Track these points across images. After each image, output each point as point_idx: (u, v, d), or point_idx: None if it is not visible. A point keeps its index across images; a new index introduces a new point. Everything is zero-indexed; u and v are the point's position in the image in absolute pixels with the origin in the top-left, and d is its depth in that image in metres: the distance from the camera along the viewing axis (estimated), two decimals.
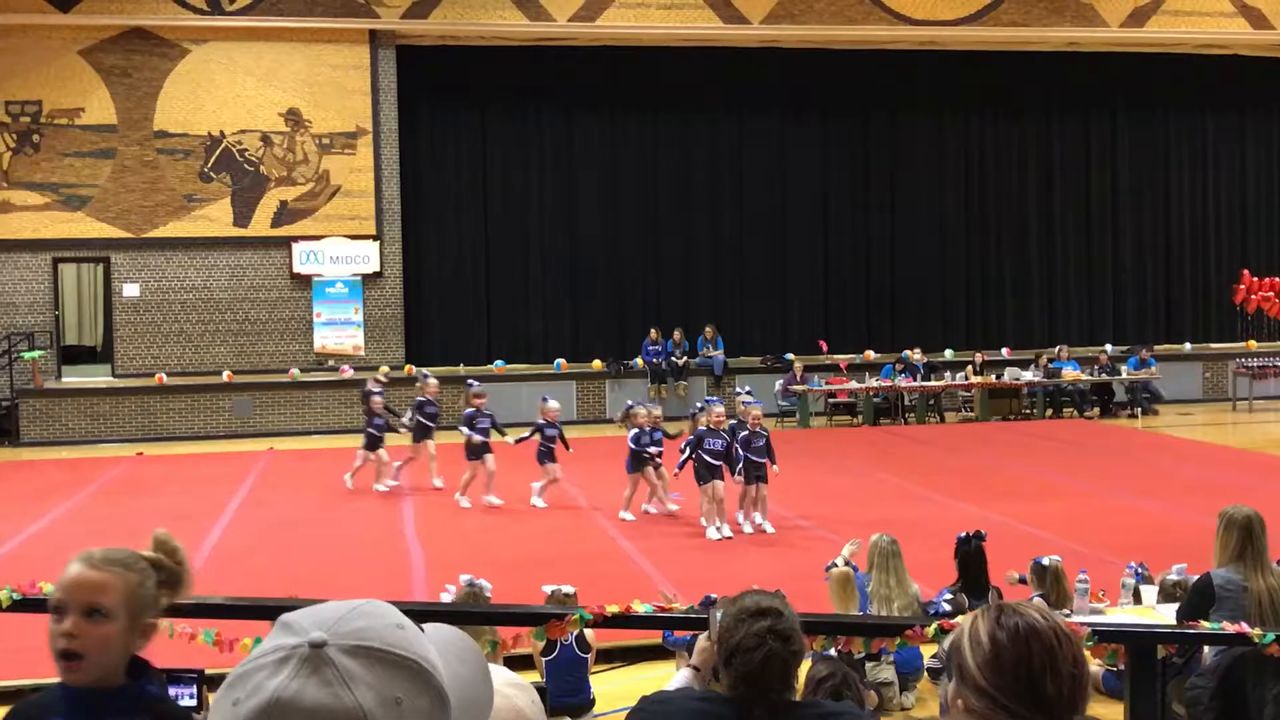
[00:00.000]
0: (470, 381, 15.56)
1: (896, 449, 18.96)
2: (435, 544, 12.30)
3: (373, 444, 15.50)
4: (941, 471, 16.38)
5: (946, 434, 21.01)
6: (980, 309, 26.61)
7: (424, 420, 15.53)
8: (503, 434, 14.76)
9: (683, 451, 12.80)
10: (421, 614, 2.87)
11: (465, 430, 14.33)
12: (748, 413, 12.91)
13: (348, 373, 22.47)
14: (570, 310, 24.93)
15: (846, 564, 8.00)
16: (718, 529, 12.38)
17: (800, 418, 21.96)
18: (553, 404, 14.67)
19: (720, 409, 12.88)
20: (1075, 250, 26.89)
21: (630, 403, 14.77)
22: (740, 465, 12.58)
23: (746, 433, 12.69)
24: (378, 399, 15.68)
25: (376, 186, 23.26)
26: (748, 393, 14.53)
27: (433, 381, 16.12)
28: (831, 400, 22.73)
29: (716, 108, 25.32)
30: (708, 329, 23.79)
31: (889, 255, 26.11)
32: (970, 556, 8.34)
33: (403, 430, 15.95)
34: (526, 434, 14.43)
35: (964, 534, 8.49)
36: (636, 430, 13.30)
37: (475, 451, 14.36)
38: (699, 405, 13.88)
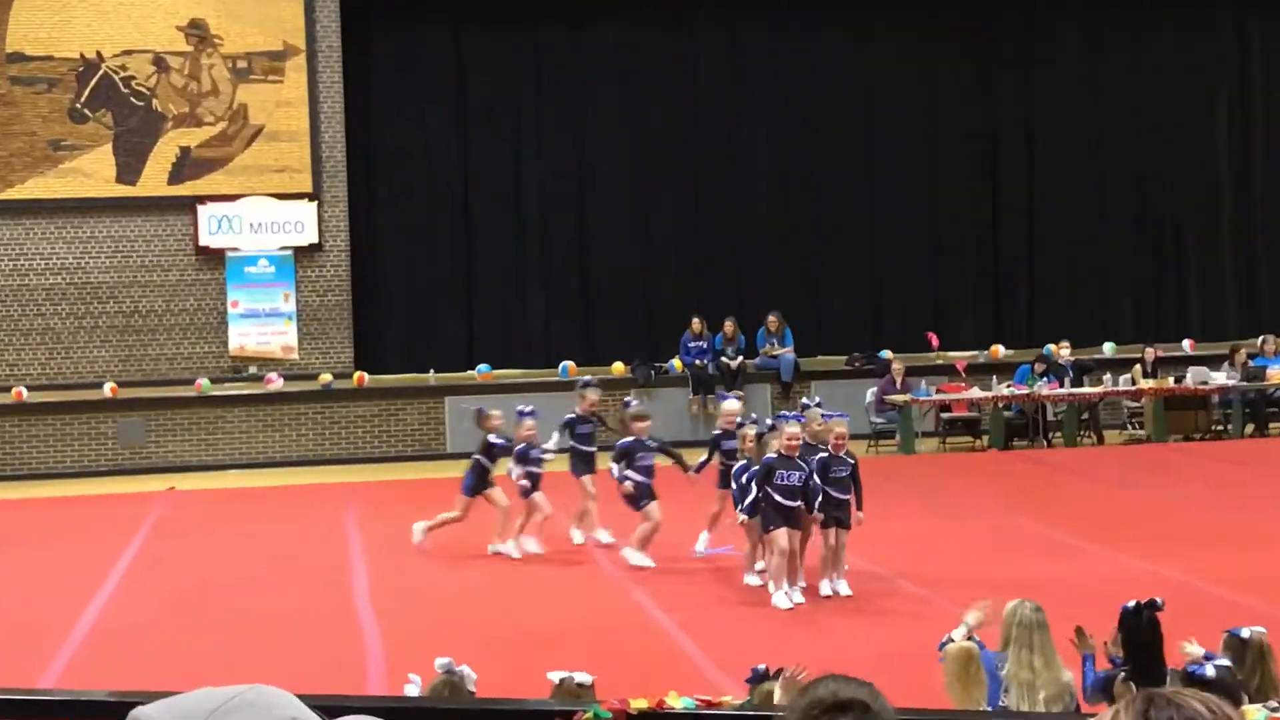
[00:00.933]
0: (626, 399, 15.64)
1: (1037, 482, 18.92)
2: (399, 617, 12.31)
3: (529, 486, 14.81)
4: (1099, 512, 16.34)
5: (1106, 460, 20.96)
6: (1154, 289, 26.53)
7: (578, 445, 14.98)
8: (680, 461, 14.67)
9: (747, 488, 12.70)
10: (376, 711, 2.83)
11: (616, 473, 14.03)
12: (828, 430, 12.94)
13: (275, 383, 22.50)
14: (580, 295, 24.98)
15: (969, 638, 7.98)
16: (787, 594, 12.32)
17: (902, 439, 21.91)
18: (731, 403, 14.98)
19: (795, 429, 12.70)
20: None
21: (483, 408, 15.58)
22: (818, 501, 12.55)
23: (825, 455, 12.68)
24: (530, 421, 15.00)
25: (313, 127, 23.34)
26: (817, 404, 14.38)
27: (592, 394, 15.79)
28: (945, 415, 22.67)
29: (777, 5, 25.28)
30: (771, 318, 23.72)
31: (1025, 212, 26.02)
32: (1141, 633, 8.31)
33: (549, 458, 15.26)
34: (705, 457, 14.55)
35: (1132, 603, 8.46)
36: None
37: (637, 499, 13.99)
38: (768, 423, 13.84)
